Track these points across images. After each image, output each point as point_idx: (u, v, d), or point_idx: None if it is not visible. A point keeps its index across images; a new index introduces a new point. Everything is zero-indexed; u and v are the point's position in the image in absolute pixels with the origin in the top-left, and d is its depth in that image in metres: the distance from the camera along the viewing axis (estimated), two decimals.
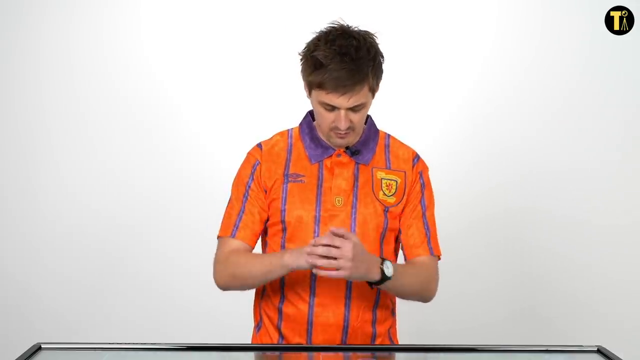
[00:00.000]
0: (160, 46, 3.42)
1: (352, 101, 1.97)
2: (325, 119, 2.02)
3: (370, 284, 1.99)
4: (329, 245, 1.89)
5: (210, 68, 3.42)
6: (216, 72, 3.42)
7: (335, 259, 1.89)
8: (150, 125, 3.43)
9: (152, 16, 3.42)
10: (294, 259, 1.95)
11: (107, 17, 3.42)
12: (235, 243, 2.10)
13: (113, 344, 1.95)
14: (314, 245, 1.90)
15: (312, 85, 2.01)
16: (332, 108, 2.00)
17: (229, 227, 2.11)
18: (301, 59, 2.03)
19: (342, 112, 1.99)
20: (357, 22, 2.05)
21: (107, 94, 3.42)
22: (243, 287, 2.10)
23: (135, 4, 3.42)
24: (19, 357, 1.83)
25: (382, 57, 2.02)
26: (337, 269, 1.89)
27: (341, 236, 1.90)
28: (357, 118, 2.02)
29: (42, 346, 1.92)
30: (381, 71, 2.02)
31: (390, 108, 3.28)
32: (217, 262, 2.11)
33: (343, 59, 1.94)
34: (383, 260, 1.97)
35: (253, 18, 3.40)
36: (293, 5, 3.36)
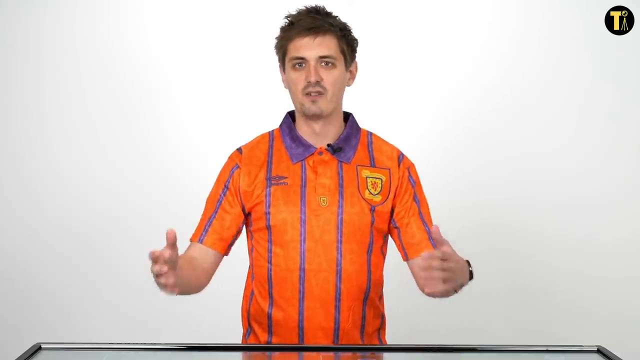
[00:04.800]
0: (158, 46, 3.43)
1: (319, 45, 2.02)
2: (296, 82, 2.05)
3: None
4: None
5: (206, 68, 3.43)
6: (211, 72, 3.43)
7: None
8: (151, 124, 3.44)
9: (146, 17, 3.43)
10: None
11: (101, 18, 3.42)
12: (196, 249, 2.09)
13: (113, 344, 1.95)
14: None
15: (284, 48, 2.07)
16: (301, 63, 2.03)
17: (199, 232, 2.12)
18: (275, 45, 2.12)
19: (312, 64, 2.02)
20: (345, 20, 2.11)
21: (107, 92, 3.43)
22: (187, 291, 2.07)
23: (134, 5, 3.43)
24: (19, 357, 1.83)
25: (356, 40, 2.10)
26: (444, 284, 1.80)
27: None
28: (328, 78, 2.04)
29: (42, 346, 1.92)
30: (353, 44, 2.09)
31: (382, 108, 3.29)
32: None
33: (311, 14, 2.06)
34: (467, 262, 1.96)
35: (244, 21, 3.41)
36: (282, 8, 3.35)
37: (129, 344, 1.96)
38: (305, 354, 2.01)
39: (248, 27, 3.40)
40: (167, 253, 1.78)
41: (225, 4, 3.42)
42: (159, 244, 3.51)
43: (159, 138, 3.44)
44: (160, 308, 3.44)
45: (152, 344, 1.97)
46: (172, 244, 1.80)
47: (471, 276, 1.96)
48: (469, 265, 1.97)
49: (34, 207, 3.45)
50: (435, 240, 1.78)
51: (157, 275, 1.79)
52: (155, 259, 1.78)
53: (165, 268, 1.78)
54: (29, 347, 1.91)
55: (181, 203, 3.42)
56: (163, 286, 1.81)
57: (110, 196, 3.43)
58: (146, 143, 3.44)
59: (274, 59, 2.16)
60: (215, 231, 2.10)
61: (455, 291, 1.95)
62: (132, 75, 3.42)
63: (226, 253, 2.14)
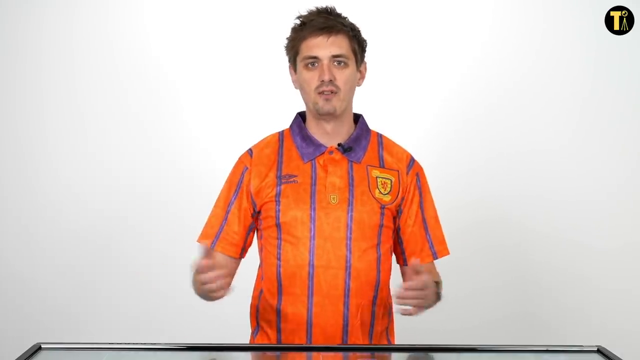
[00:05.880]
0: (161, 46, 3.43)
1: (332, 45, 2.04)
2: (309, 82, 2.06)
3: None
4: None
5: (210, 68, 3.43)
6: (216, 72, 3.43)
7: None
8: (151, 124, 3.44)
9: (151, 16, 3.43)
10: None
11: (107, 16, 3.42)
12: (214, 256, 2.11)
13: (113, 344, 1.95)
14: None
15: (295, 48, 2.09)
16: (314, 62, 2.05)
17: (210, 237, 2.14)
18: (286, 45, 2.14)
19: (325, 62, 2.04)
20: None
21: (108, 93, 3.43)
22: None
23: (136, 5, 3.43)
24: (19, 357, 1.83)
25: (365, 40, 2.13)
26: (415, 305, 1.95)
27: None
28: (341, 77, 2.06)
29: (42, 346, 1.92)
30: (363, 45, 2.12)
31: (382, 107, 3.29)
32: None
33: (322, 14, 2.09)
34: (437, 283, 2.05)
35: (251, 19, 3.41)
36: (290, 8, 3.36)
37: (129, 344, 1.96)
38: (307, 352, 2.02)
39: (255, 27, 3.40)
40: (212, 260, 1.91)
41: (232, 7, 3.41)
42: (159, 244, 3.55)
43: (159, 138, 3.44)
44: (160, 308, 3.45)
45: (152, 344, 1.97)
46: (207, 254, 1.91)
47: (439, 298, 2.05)
48: (439, 286, 2.05)
49: (33, 207, 3.44)
50: (414, 271, 1.91)
51: (208, 283, 1.88)
52: (203, 268, 1.86)
53: (215, 273, 1.87)
54: (29, 347, 1.91)
55: (181, 203, 3.43)
56: (215, 290, 1.89)
57: (110, 196, 3.43)
58: (145, 143, 3.44)
59: (280, 59, 2.16)
60: (226, 237, 2.12)
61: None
62: (133, 75, 3.42)
63: (242, 256, 2.16)
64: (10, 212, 3.46)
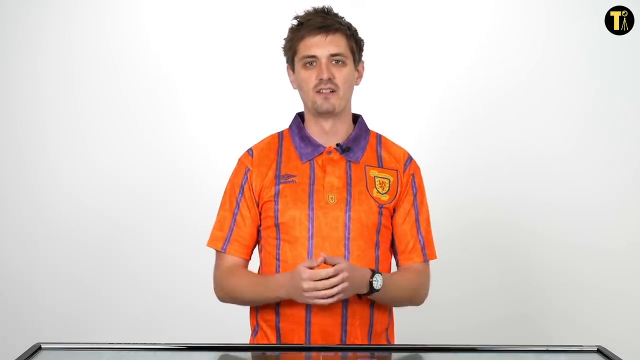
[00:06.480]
0: (161, 46, 3.43)
1: (330, 43, 2.05)
2: (307, 81, 2.07)
3: (358, 295, 2.02)
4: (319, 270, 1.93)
5: (210, 68, 3.43)
6: (215, 72, 3.43)
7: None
8: (150, 125, 3.44)
9: (152, 16, 3.43)
10: (290, 295, 1.98)
11: (106, 16, 3.42)
12: (229, 260, 2.12)
13: (113, 344, 1.95)
14: (310, 280, 1.91)
15: (293, 48, 2.09)
16: (312, 61, 2.07)
17: (221, 240, 2.13)
18: (283, 45, 2.14)
19: (323, 61, 2.06)
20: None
21: (107, 93, 3.43)
22: (242, 305, 2.16)
23: (135, 5, 3.43)
24: (19, 357, 1.84)
25: (362, 40, 2.14)
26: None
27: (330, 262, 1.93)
28: (339, 76, 2.07)
29: (42, 346, 1.92)
30: (361, 44, 2.13)
31: (379, 107, 3.29)
32: (215, 281, 2.14)
33: (320, 14, 2.10)
34: (374, 273, 2.00)
35: (251, 20, 3.41)
36: (288, 9, 3.36)
37: (129, 344, 1.96)
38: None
39: (254, 28, 3.40)
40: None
41: (232, 7, 3.41)
42: (158, 244, 3.54)
43: (159, 138, 3.44)
44: (160, 308, 3.45)
45: (152, 344, 1.97)
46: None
47: (372, 288, 2.00)
48: (374, 277, 2.00)
49: (32, 207, 3.44)
50: (328, 262, 1.93)
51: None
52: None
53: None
54: (29, 347, 1.91)
55: (181, 203, 3.43)
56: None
57: (110, 196, 3.43)
58: (145, 143, 3.44)
59: (280, 59, 2.16)
60: (238, 238, 2.12)
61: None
62: (132, 75, 3.42)
63: (250, 257, 2.16)
64: (9, 212, 3.46)
